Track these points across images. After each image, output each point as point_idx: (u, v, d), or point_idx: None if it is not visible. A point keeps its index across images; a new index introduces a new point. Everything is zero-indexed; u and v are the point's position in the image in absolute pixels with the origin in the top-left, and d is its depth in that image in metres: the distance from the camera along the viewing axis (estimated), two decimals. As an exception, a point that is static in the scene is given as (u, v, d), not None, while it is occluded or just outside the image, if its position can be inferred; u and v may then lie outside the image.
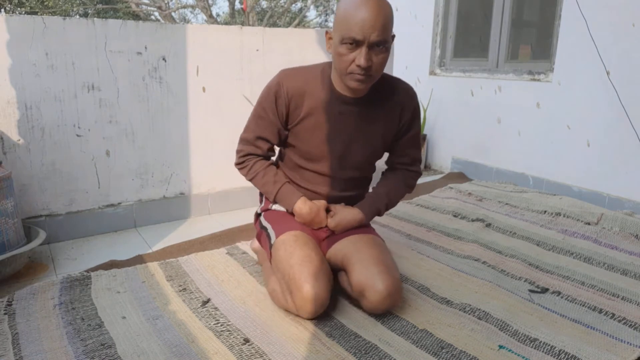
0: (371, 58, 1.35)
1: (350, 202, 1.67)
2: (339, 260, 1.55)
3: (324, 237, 1.64)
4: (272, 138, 1.60)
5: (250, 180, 1.65)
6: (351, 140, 1.56)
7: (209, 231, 2.21)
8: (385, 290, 1.39)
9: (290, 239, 1.52)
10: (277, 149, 1.69)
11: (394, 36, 1.43)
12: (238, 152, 1.65)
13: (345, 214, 1.61)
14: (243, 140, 1.64)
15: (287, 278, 1.43)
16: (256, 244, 1.81)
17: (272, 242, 1.56)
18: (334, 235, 1.62)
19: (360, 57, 1.34)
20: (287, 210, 1.63)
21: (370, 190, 1.74)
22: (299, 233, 1.55)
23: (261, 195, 1.76)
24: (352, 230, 1.61)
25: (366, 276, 1.41)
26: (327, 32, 1.46)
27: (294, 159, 1.64)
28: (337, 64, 1.41)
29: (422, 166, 3.65)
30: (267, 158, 1.67)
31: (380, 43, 1.34)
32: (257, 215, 1.74)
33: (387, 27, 1.34)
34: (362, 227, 1.65)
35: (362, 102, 1.52)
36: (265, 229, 1.64)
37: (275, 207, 1.67)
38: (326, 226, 1.63)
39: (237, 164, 1.66)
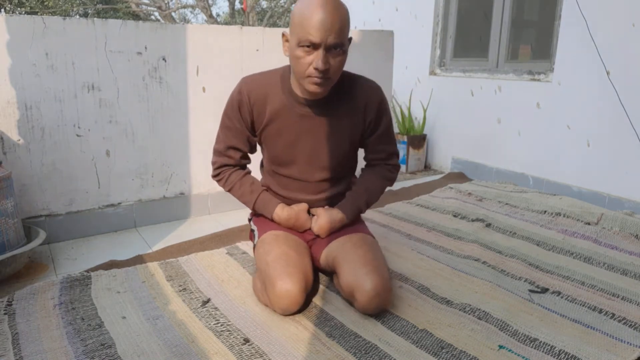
0: (328, 61, 1.35)
1: (331, 203, 1.67)
2: (330, 263, 1.56)
3: (309, 238, 1.65)
4: (243, 146, 1.61)
5: (229, 191, 1.66)
6: (316, 142, 1.56)
7: (209, 231, 2.22)
8: (373, 290, 1.39)
9: (269, 237, 1.56)
10: (251, 156, 1.70)
11: (350, 38, 1.43)
12: (213, 164, 1.66)
13: (327, 216, 1.61)
14: (215, 152, 1.65)
15: (264, 275, 1.46)
16: None
17: (256, 242, 1.61)
18: (321, 238, 1.63)
19: (317, 60, 1.34)
20: (267, 218, 1.65)
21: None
22: (279, 232, 1.58)
23: None
24: (341, 230, 1.62)
25: (354, 277, 1.42)
26: (283, 35, 1.46)
27: (268, 165, 1.66)
28: (295, 67, 1.41)
29: (423, 165, 3.66)
30: (243, 167, 1.67)
31: (338, 45, 1.35)
32: (249, 220, 1.78)
33: (343, 29, 1.35)
34: (352, 225, 1.65)
35: (322, 104, 1.52)
36: (253, 230, 1.69)
37: None
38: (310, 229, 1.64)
39: (213, 177, 1.67)
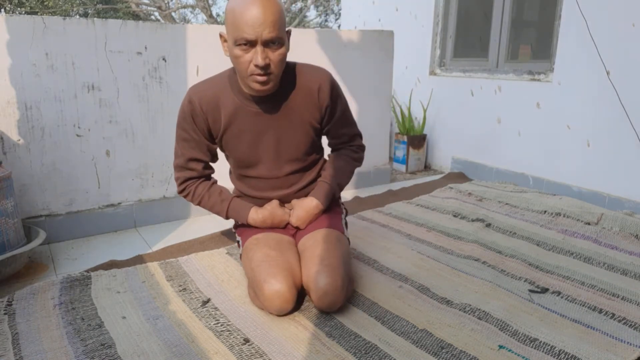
0: (268, 56, 1.35)
1: (306, 194, 1.68)
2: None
3: (293, 232, 1.65)
4: (204, 156, 1.60)
5: (198, 204, 1.64)
6: (278, 137, 1.56)
7: (209, 231, 2.22)
8: (322, 289, 1.40)
9: (251, 243, 1.56)
10: (216, 165, 1.69)
11: (289, 32, 1.43)
12: (176, 179, 1.64)
13: (302, 206, 1.62)
14: (176, 168, 1.63)
15: (251, 281, 1.47)
16: None
17: (241, 251, 1.62)
18: (300, 230, 1.64)
19: (256, 56, 1.33)
20: (243, 224, 1.64)
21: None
22: (260, 236, 1.57)
23: None
24: (313, 224, 1.62)
25: (308, 275, 1.44)
26: (221, 36, 1.45)
27: (235, 169, 1.66)
28: (236, 67, 1.41)
29: (423, 165, 3.66)
30: (207, 177, 1.66)
31: (274, 40, 1.34)
32: (234, 232, 1.78)
33: (277, 22, 1.33)
34: (325, 217, 1.65)
35: (275, 98, 1.51)
36: (238, 241, 1.69)
37: None
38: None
39: (179, 193, 1.66)
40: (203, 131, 1.55)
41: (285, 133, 1.56)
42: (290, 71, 1.53)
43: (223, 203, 1.62)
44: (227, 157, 1.67)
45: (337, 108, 1.62)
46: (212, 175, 1.69)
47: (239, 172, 1.65)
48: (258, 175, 1.61)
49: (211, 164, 1.66)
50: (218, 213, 1.64)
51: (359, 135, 1.73)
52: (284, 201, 1.66)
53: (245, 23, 1.30)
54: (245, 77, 1.40)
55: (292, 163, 1.61)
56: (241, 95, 1.51)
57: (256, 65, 1.34)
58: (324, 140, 1.73)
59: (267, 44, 1.34)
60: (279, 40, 1.36)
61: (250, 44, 1.33)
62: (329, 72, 1.59)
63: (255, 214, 1.60)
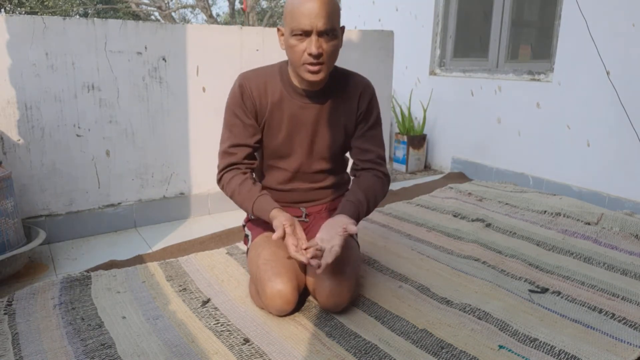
0: (321, 45, 1.40)
1: (327, 193, 1.68)
2: None
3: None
4: (249, 141, 1.57)
5: (231, 198, 1.59)
6: (315, 131, 1.59)
7: (209, 231, 2.22)
8: (328, 288, 1.43)
9: (261, 240, 1.56)
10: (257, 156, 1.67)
11: (343, 28, 1.48)
12: (217, 167, 1.62)
13: (339, 240, 1.42)
14: (219, 155, 1.61)
15: (255, 278, 1.48)
16: None
17: (249, 246, 1.63)
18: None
19: (310, 45, 1.39)
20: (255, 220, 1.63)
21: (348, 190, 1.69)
22: (271, 234, 1.52)
23: None
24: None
25: (315, 275, 1.45)
26: (278, 29, 1.51)
27: (265, 160, 1.66)
28: (291, 56, 1.45)
29: (423, 165, 3.66)
30: (245, 168, 1.59)
31: (328, 31, 1.39)
32: (243, 226, 1.78)
33: (332, 15, 1.39)
34: None
35: (320, 95, 1.56)
36: (247, 236, 1.69)
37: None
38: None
39: (218, 182, 1.62)
40: (252, 113, 1.57)
41: (322, 130, 1.59)
42: (338, 74, 1.58)
43: (251, 197, 1.53)
44: (261, 149, 1.67)
45: (371, 118, 1.62)
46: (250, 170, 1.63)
47: (269, 162, 1.65)
48: (286, 167, 1.62)
49: (254, 155, 1.62)
50: (246, 210, 1.57)
51: (384, 160, 1.66)
52: (303, 196, 1.66)
53: (302, 14, 1.37)
54: (299, 66, 1.44)
55: (323, 161, 1.63)
56: (289, 86, 1.55)
57: (310, 54, 1.39)
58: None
59: (321, 34, 1.39)
60: (333, 32, 1.41)
61: (306, 34, 1.39)
62: (372, 85, 1.66)
63: (279, 211, 1.50)
